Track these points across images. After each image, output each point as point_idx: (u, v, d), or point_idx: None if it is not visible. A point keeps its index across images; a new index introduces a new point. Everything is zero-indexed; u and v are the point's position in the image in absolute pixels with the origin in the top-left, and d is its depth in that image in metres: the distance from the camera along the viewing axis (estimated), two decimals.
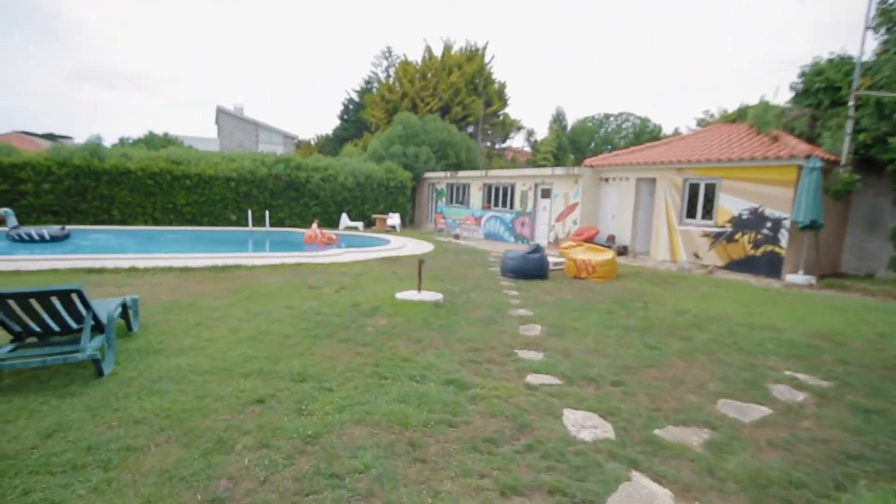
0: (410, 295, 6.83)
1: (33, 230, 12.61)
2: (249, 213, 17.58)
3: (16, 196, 16.66)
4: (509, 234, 18.20)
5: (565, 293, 8.24)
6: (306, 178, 20.54)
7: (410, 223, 24.39)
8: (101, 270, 8.38)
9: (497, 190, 19.29)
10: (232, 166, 19.46)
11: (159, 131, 28.78)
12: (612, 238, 14.55)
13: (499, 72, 53.12)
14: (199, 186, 18.75)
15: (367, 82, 42.59)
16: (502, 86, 30.05)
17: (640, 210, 14.28)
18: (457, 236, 18.11)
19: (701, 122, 27.85)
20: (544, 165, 27.21)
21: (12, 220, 12.25)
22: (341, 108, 44.41)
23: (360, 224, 19.55)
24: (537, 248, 9.63)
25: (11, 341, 4.16)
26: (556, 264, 10.42)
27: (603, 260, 9.57)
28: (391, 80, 31.99)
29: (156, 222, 18.30)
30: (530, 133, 30.43)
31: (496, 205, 19.38)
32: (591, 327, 6.06)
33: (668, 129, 31.49)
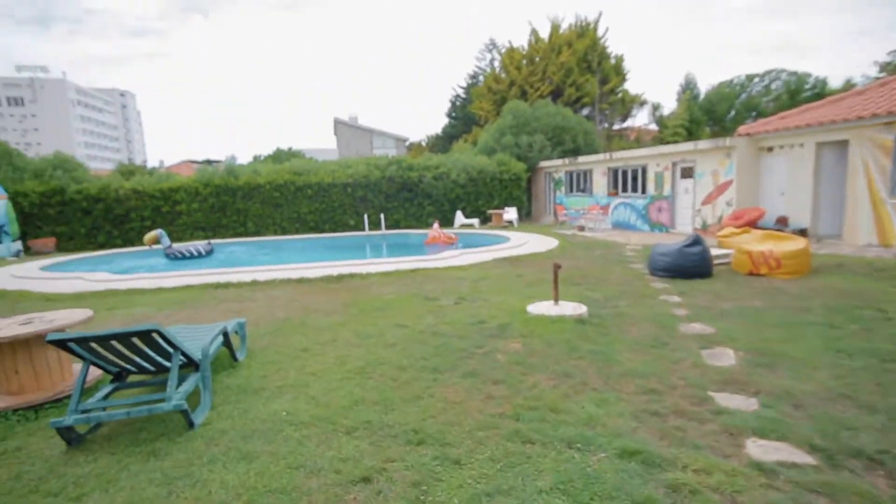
0: (545, 307, 5.55)
1: (187, 247, 13.58)
2: (365, 217, 17.60)
3: (175, 216, 18.55)
4: (642, 221, 15.89)
5: (747, 298, 6.29)
6: (418, 177, 20.16)
7: (527, 217, 22.92)
8: (226, 285, 8.38)
9: (625, 174, 17.03)
10: (347, 172, 19.76)
11: (286, 146, 30.80)
12: (783, 220, 11.70)
13: (614, 45, 48.81)
14: (319, 195, 19.32)
15: (473, 77, 41.81)
16: (619, 59, 27.07)
17: (823, 182, 11.25)
18: (581, 228, 16.28)
19: (886, 67, 22.37)
20: (675, 141, 23.86)
21: (166, 240, 13.34)
22: (449, 105, 44.38)
23: (475, 221, 18.63)
24: (697, 240, 7.68)
25: (112, 381, 3.73)
26: (718, 257, 8.34)
27: (791, 251, 7.31)
28: (497, 70, 30.70)
29: (283, 231, 19.22)
30: (655, 107, 27.00)
31: (624, 190, 17.12)
32: (815, 353, 4.22)
33: (834, 83, 25.81)
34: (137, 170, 25.61)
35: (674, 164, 14.59)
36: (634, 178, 16.58)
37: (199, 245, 13.93)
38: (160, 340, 3.32)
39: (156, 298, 7.63)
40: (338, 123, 41.65)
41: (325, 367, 4.34)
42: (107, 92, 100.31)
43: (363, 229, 18.64)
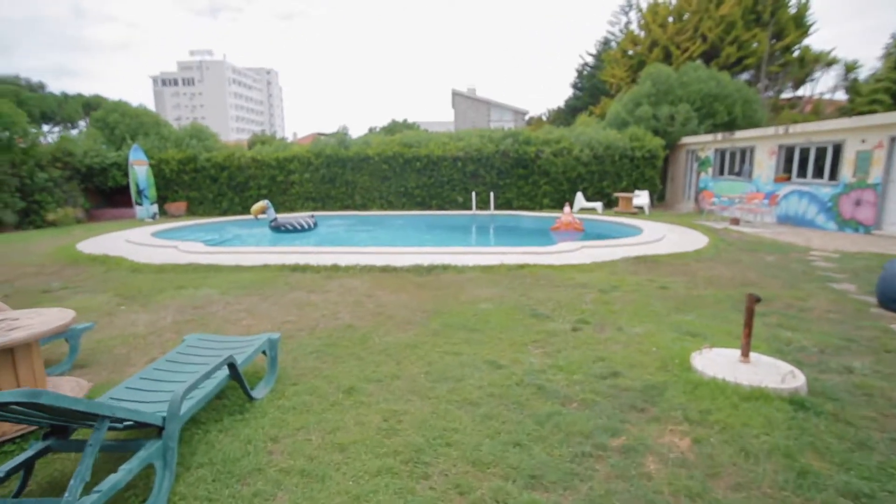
0: (725, 362, 3.41)
1: (291, 220, 13.22)
2: (474, 195, 15.98)
3: (288, 185, 18.74)
4: (826, 217, 12.07)
5: None
6: (535, 153, 17.93)
7: (660, 202, 19.53)
8: (304, 268, 7.35)
9: (804, 153, 13.12)
10: (459, 145, 18.23)
11: (402, 118, 30.20)
12: None
13: None
14: (427, 168, 18.11)
15: (605, 43, 37.47)
16: (803, 7, 21.45)
17: None
18: (735, 221, 12.92)
19: None
20: (873, 111, 18.36)
21: (271, 213, 13.07)
22: (574, 75, 40.61)
23: (598, 205, 16.02)
24: None
25: (45, 436, 2.50)
26: None
27: None
28: (635, 32, 26.54)
29: (389, 205, 18.44)
30: (849, 68, 20.97)
31: (801, 175, 13.25)
32: None
33: None
34: (268, 140, 26.85)
35: (893, 140, 10.61)
36: (819, 160, 12.67)
37: (303, 218, 13.47)
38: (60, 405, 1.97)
39: (229, 279, 6.83)
40: (455, 95, 40.30)
41: (365, 436, 2.79)
42: (255, 71, 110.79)
43: (471, 208, 17.08)
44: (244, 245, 10.32)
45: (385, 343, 4.28)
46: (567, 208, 12.91)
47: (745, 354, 3.35)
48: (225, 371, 2.97)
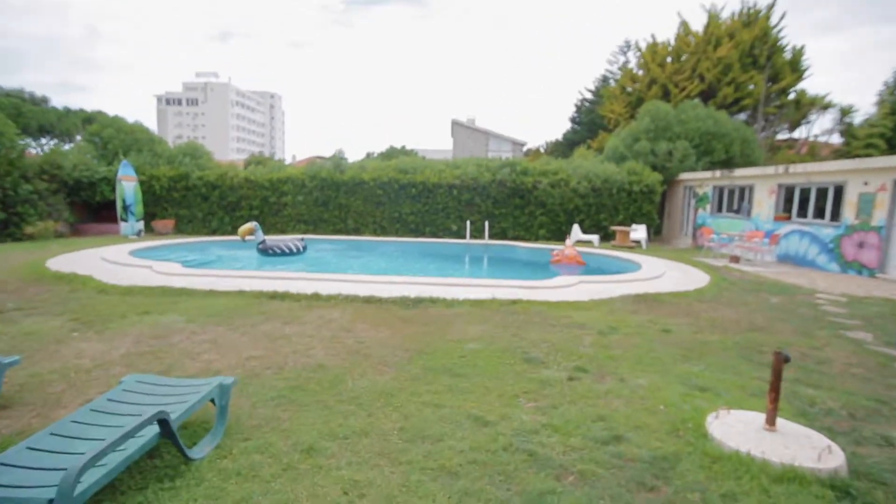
0: (745, 430, 2.93)
1: (279, 243, 12.68)
2: (468, 223, 15.63)
3: (280, 207, 18.36)
4: (829, 258, 11.75)
5: None
6: (533, 183, 17.72)
7: (657, 235, 19.26)
8: (283, 295, 6.86)
9: (804, 193, 12.92)
10: (455, 173, 18.00)
11: (400, 145, 30.21)
12: None
13: (792, 34, 40.93)
14: (423, 195, 17.81)
15: (604, 80, 38.10)
16: (798, 53, 21.79)
17: None
18: (735, 259, 12.59)
19: None
20: (868, 155, 18.36)
21: (260, 234, 12.59)
22: (573, 109, 41.09)
23: (594, 237, 15.69)
24: None
25: None
26: None
27: None
28: (634, 70, 26.87)
29: (382, 231, 18.05)
30: (845, 112, 21.15)
31: (801, 215, 13.01)
32: None
33: None
34: (264, 161, 26.61)
35: None
36: (819, 200, 12.45)
37: (292, 241, 13.00)
38: None
39: (200, 305, 6.33)
40: (455, 125, 40.61)
41: None
42: (259, 94, 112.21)
43: (465, 236, 16.72)
44: (224, 268, 9.81)
45: (358, 389, 3.78)
46: (569, 240, 12.50)
47: (771, 422, 2.88)
48: (155, 428, 2.46)
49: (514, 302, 6.74)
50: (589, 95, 39.29)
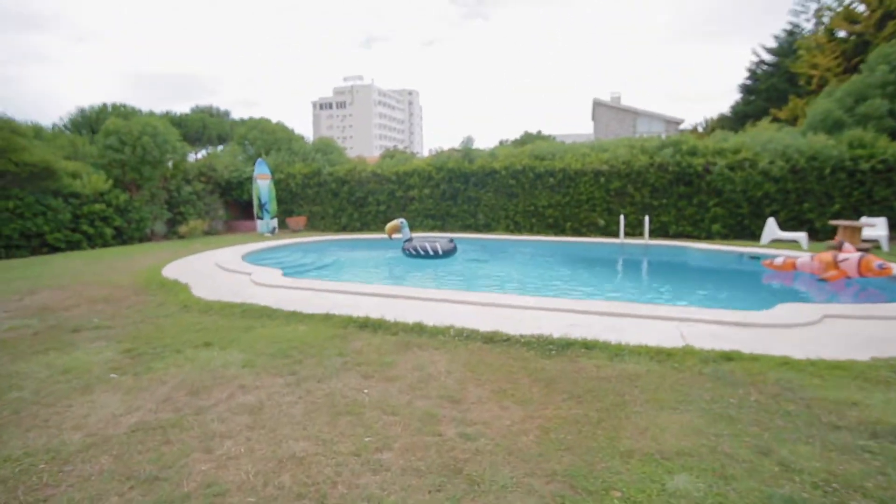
0: None
1: (427, 244, 10.96)
2: (622, 218, 12.62)
3: (407, 201, 17.31)
4: None
5: None
6: (704, 166, 13.90)
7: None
8: (376, 324, 5.11)
9: None
10: (602, 157, 14.98)
11: (536, 131, 27.55)
12: None
13: None
14: (562, 184, 15.16)
15: (789, 34, 30.56)
16: None
17: None
18: None
19: None
20: None
21: (406, 232, 11.29)
22: (745, 76, 33.90)
23: (801, 236, 11.49)
24: None
25: None
26: None
27: None
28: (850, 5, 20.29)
29: (516, 227, 15.85)
30: None
31: None
32: None
33: None
34: (395, 154, 26.27)
35: None
36: None
37: (439, 242, 10.95)
38: None
39: (272, 335, 4.88)
40: (597, 105, 36.41)
41: None
42: (398, 92, 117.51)
43: (616, 234, 13.72)
44: (326, 278, 8.45)
45: None
46: (844, 243, 8.10)
47: None
48: None
49: (726, 356, 4.04)
50: (767, 56, 32.00)
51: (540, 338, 4.56)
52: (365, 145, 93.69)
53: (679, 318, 5.06)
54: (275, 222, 16.57)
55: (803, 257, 8.44)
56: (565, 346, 4.39)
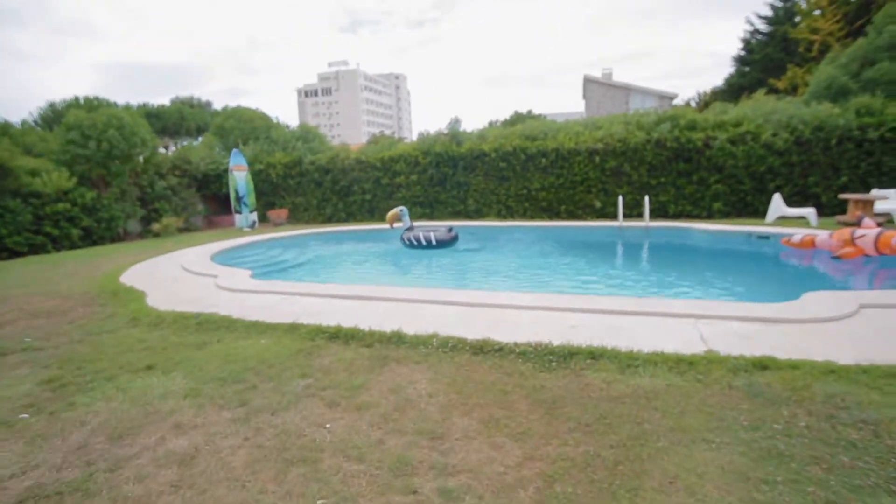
0: None
1: (421, 234, 10.30)
2: (620, 199, 11.96)
3: (394, 189, 16.53)
4: None
5: None
6: (704, 140, 13.23)
7: None
8: (349, 334, 4.44)
9: None
10: (597, 135, 14.26)
11: (527, 110, 26.69)
12: None
13: None
14: (555, 165, 14.44)
15: (784, 0, 29.69)
16: None
17: None
18: None
19: None
20: None
21: (406, 220, 10.55)
22: (739, 46, 33.06)
23: (809, 212, 10.90)
24: None
25: None
26: None
27: None
28: None
29: (508, 212, 15.16)
30: None
31: None
32: None
33: None
34: (383, 140, 25.38)
35: None
36: None
37: (440, 231, 10.22)
38: None
39: (228, 352, 4.21)
40: (587, 82, 35.49)
41: None
42: (385, 76, 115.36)
43: (614, 216, 13.08)
44: (299, 280, 7.68)
45: None
46: (864, 218, 7.43)
47: None
48: None
49: (759, 364, 3.41)
50: (762, 25, 31.17)
51: (538, 346, 3.92)
52: (353, 132, 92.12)
53: (695, 314, 4.44)
54: (254, 216, 15.78)
55: (822, 234, 7.87)
56: (568, 356, 3.76)
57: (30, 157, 13.71)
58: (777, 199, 11.39)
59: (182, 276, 7.33)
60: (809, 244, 8.04)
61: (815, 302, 4.59)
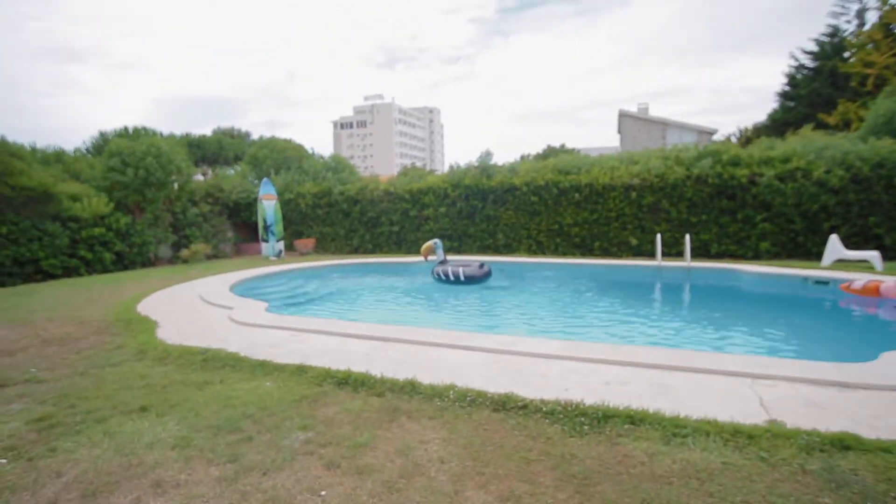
0: None
1: (450, 268, 9.99)
2: (659, 237, 11.38)
3: (422, 221, 16.43)
4: None
5: None
6: (749, 177, 12.60)
7: None
8: (359, 381, 4.10)
9: None
10: (633, 170, 13.83)
11: (560, 144, 26.51)
12: None
13: None
14: (589, 200, 14.03)
15: (830, 35, 28.99)
16: None
17: None
18: None
19: None
20: None
21: (440, 253, 10.33)
22: (784, 82, 32.29)
23: (873, 255, 10.05)
24: None
25: None
26: None
27: None
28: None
29: (539, 248, 14.74)
30: None
31: None
32: None
33: None
34: (412, 172, 25.61)
35: None
36: None
37: (471, 268, 9.81)
38: None
39: (230, 395, 3.93)
40: (623, 116, 35.21)
41: None
42: (419, 110, 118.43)
43: (652, 254, 12.49)
44: (316, 314, 7.43)
45: None
46: None
47: None
48: None
49: (839, 443, 2.86)
50: (806, 62, 30.43)
51: (567, 405, 3.47)
52: (385, 164, 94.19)
53: (752, 373, 3.90)
54: (281, 245, 15.89)
55: (889, 280, 7.15)
56: (602, 419, 3.30)
57: (73, 183, 14.29)
58: (834, 239, 10.60)
59: (198, 306, 7.22)
60: (874, 291, 7.33)
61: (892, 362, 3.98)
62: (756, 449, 2.86)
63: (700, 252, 12.84)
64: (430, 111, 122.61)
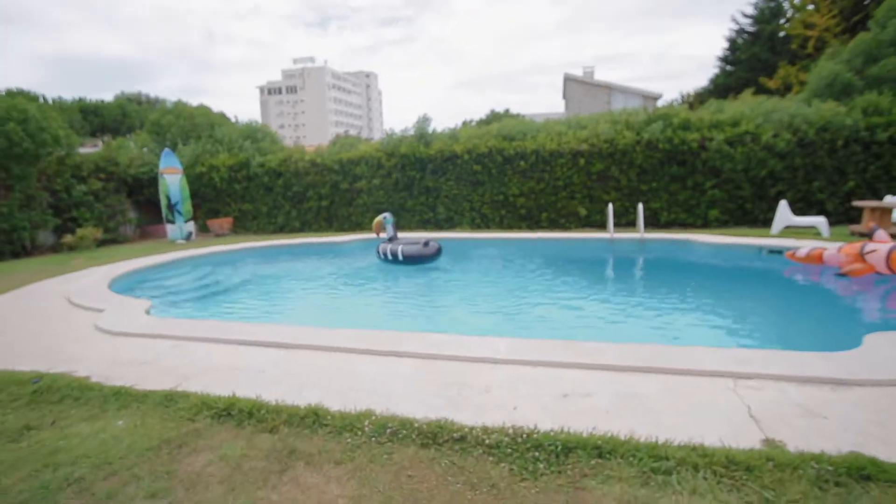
0: None
1: (394, 247, 9.12)
2: (610, 207, 11.02)
3: (354, 194, 15.32)
4: None
5: None
6: (699, 141, 12.48)
7: None
8: (249, 410, 3.20)
9: None
10: (581, 135, 13.38)
11: (504, 109, 25.84)
12: None
13: None
14: (535, 168, 13.48)
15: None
16: None
17: None
18: None
19: None
20: None
21: (390, 229, 9.27)
22: (725, 46, 33.20)
23: (820, 221, 10.16)
24: None
25: None
26: None
27: None
28: None
29: (483, 221, 14.12)
30: None
31: None
32: None
33: None
34: (342, 140, 24.13)
35: None
36: None
37: (411, 247, 8.98)
38: None
39: (52, 445, 2.94)
40: (568, 80, 35.05)
41: None
42: (355, 75, 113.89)
43: (602, 226, 12.17)
44: (208, 316, 6.26)
45: None
46: (880, 231, 6.85)
47: None
48: None
49: (854, 469, 2.36)
50: (747, 25, 31.34)
51: (517, 434, 2.78)
52: (320, 132, 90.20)
53: (733, 372, 3.38)
54: (191, 226, 14.28)
55: (830, 248, 7.09)
56: (562, 453, 2.63)
57: None
58: (783, 206, 10.65)
59: (57, 311, 5.93)
60: (817, 259, 7.28)
61: (888, 349, 3.60)
62: (757, 487, 2.29)
63: (650, 221, 12.69)
64: (367, 76, 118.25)
